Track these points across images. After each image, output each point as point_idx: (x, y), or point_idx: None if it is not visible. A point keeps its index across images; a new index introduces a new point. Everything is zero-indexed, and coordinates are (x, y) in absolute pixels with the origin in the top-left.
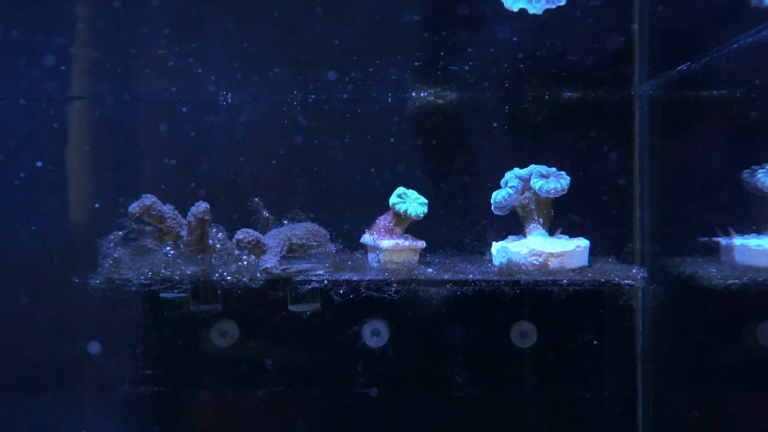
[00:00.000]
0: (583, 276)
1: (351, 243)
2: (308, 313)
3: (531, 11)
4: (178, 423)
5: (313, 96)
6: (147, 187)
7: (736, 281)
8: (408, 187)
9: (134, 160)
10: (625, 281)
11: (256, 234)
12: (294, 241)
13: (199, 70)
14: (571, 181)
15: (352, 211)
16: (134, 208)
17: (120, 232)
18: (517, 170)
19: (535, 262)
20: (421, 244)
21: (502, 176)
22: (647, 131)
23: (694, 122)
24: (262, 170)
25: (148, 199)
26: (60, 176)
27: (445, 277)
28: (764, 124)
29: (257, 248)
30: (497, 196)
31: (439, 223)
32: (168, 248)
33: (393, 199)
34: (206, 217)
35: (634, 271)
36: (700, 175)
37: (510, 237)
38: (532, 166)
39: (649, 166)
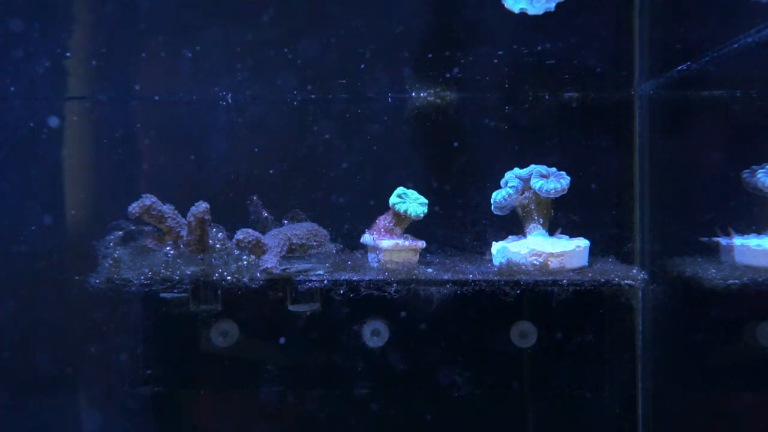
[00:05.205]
0: (583, 276)
1: (351, 243)
2: (308, 313)
3: (531, 12)
4: (178, 423)
5: (313, 96)
6: (147, 187)
7: (736, 281)
8: (408, 187)
9: (134, 160)
10: (625, 281)
11: (256, 234)
12: (294, 241)
13: (200, 70)
14: (571, 181)
15: (352, 211)
16: (134, 208)
17: (119, 232)
18: (517, 170)
19: (535, 262)
20: (421, 244)
21: (502, 176)
22: (647, 131)
23: (694, 122)
24: (262, 170)
25: (148, 199)
26: (60, 176)
27: (445, 277)
28: (764, 124)
29: (257, 248)
30: (497, 196)
31: (439, 223)
32: (168, 248)
33: (393, 199)
34: (206, 217)
35: (634, 271)
36: (700, 175)
37: (510, 237)
38: (532, 166)
39: (649, 166)
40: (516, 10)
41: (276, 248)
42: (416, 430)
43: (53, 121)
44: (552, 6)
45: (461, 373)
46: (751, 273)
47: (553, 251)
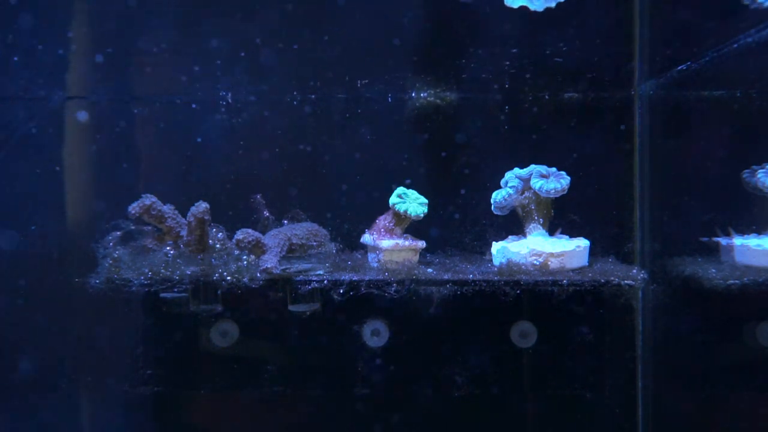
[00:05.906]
0: (583, 276)
1: (351, 243)
2: (308, 313)
3: (531, 8)
4: (178, 423)
5: (313, 96)
6: (147, 187)
7: (736, 281)
8: (408, 187)
9: (134, 160)
10: (625, 281)
11: (256, 234)
12: (294, 241)
13: (200, 70)
14: (571, 181)
15: (352, 211)
16: (134, 207)
17: (119, 232)
18: (517, 170)
19: (535, 262)
20: (421, 244)
21: (502, 176)
22: (647, 131)
23: (694, 122)
24: (262, 170)
25: (148, 199)
26: (60, 176)
27: (445, 277)
28: (764, 124)
29: (257, 248)
30: (497, 196)
31: (439, 223)
32: (168, 248)
33: (393, 199)
34: (206, 217)
35: (634, 271)
36: (700, 175)
37: (510, 237)
38: (532, 166)
39: (649, 166)
40: (515, 6)
41: (276, 248)
42: (416, 430)
43: (54, 121)
44: (553, 3)
45: (461, 373)
46: (751, 273)
47: (553, 251)
